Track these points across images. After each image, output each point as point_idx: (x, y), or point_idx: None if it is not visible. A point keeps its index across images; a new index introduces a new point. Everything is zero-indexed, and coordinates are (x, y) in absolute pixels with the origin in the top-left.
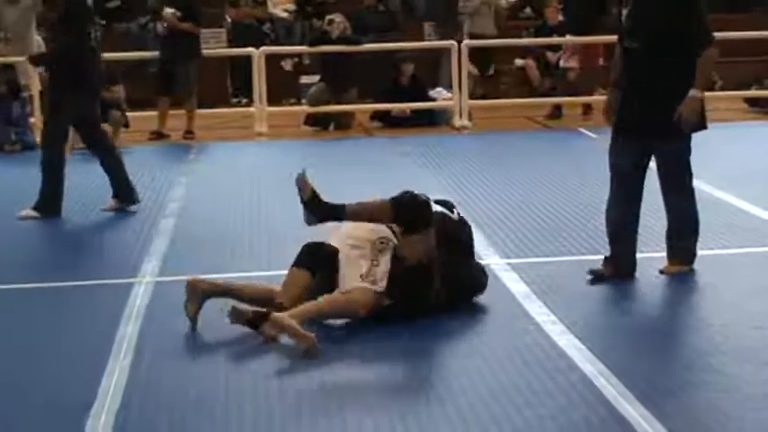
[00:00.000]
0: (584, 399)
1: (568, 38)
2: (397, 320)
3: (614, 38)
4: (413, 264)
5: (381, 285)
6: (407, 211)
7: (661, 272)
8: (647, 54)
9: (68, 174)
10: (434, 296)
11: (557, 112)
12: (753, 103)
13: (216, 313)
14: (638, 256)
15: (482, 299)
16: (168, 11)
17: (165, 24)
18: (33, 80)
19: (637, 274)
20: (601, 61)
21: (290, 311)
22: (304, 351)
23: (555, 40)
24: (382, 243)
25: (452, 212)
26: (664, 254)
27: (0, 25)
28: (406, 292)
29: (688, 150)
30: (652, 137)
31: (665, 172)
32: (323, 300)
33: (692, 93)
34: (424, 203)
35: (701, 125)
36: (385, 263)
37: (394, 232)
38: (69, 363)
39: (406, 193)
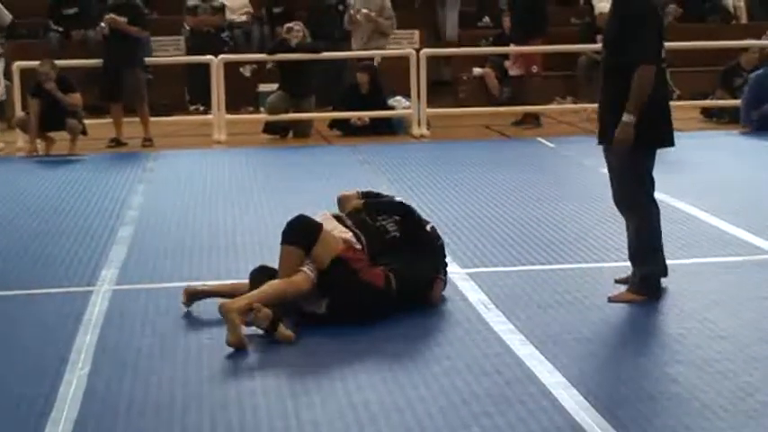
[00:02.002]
0: (542, 408)
1: (529, 47)
2: (343, 319)
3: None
4: (326, 265)
5: (313, 275)
6: (293, 233)
7: (609, 299)
8: (605, 66)
9: (25, 180)
10: (376, 293)
11: (527, 118)
12: (706, 113)
13: (174, 323)
14: (595, 266)
15: (440, 308)
16: (110, 16)
17: (104, 27)
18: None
19: (595, 285)
20: (535, 69)
21: (241, 297)
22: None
23: (512, 49)
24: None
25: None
26: (623, 264)
27: None
28: (336, 285)
29: (634, 165)
30: (603, 146)
31: (612, 184)
32: (267, 286)
33: (624, 118)
34: (299, 219)
35: (656, 143)
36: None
37: (360, 242)
38: (27, 371)
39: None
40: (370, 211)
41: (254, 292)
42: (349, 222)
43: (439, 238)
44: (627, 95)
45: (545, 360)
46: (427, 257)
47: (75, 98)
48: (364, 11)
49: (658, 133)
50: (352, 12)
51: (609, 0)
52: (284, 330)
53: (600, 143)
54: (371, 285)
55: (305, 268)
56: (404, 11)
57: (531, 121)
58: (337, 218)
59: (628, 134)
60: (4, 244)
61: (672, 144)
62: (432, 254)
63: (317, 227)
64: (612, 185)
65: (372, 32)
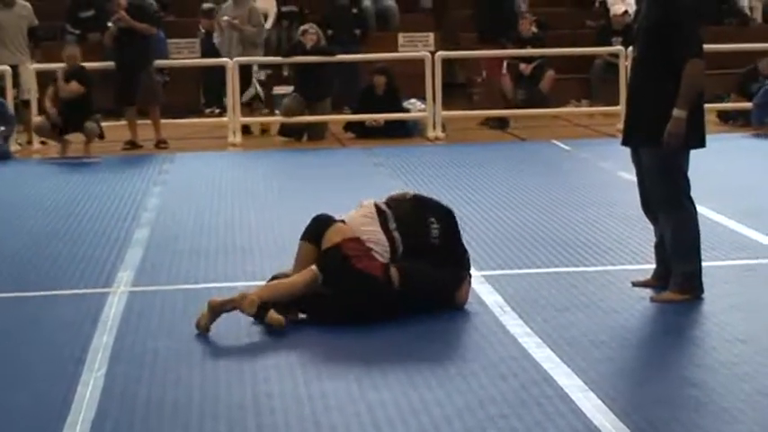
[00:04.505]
0: (559, 411)
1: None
2: (342, 308)
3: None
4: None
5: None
6: (306, 228)
7: (651, 300)
8: (638, 63)
9: (41, 182)
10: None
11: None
12: (722, 116)
13: (190, 324)
14: (612, 269)
15: (456, 310)
16: (119, 14)
17: (113, 27)
18: (31, 89)
19: (612, 288)
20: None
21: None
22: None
23: (528, 51)
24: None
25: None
26: (639, 266)
27: None
28: (328, 270)
29: (670, 165)
30: (635, 146)
31: (647, 184)
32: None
33: (675, 113)
34: (316, 217)
35: (691, 143)
36: None
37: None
38: (44, 372)
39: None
40: (419, 207)
41: (260, 290)
42: (393, 225)
43: (466, 251)
44: (667, 90)
45: (562, 363)
46: (452, 266)
47: (73, 87)
48: (225, 18)
49: (699, 133)
50: (217, 20)
51: (625, 2)
52: (274, 315)
53: (627, 144)
54: (364, 273)
55: (314, 266)
56: (418, 13)
57: (494, 122)
58: (381, 217)
59: (680, 129)
60: (21, 245)
61: (703, 145)
62: (458, 264)
63: (328, 223)
64: (643, 188)
65: (239, 41)
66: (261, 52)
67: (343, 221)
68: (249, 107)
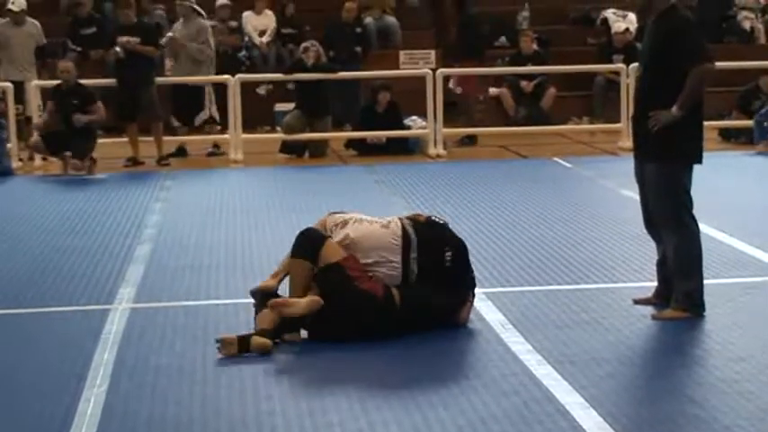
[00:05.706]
0: (561, 429)
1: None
2: (345, 331)
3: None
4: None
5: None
6: (298, 245)
7: (653, 317)
8: (642, 80)
9: (43, 198)
10: (379, 306)
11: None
12: (724, 134)
13: (192, 341)
14: (613, 286)
15: (458, 328)
16: (123, 38)
17: (119, 51)
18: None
19: (613, 305)
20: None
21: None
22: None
23: (529, 68)
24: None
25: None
26: (641, 284)
27: (5, 47)
28: (330, 288)
29: (673, 182)
30: (640, 160)
31: (650, 201)
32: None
33: (673, 110)
34: (304, 232)
35: (693, 159)
36: None
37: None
38: (45, 389)
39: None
40: (437, 236)
41: (306, 300)
42: (414, 254)
43: (472, 271)
44: (662, 107)
45: (563, 380)
46: (456, 288)
47: (98, 109)
48: (170, 34)
49: (698, 149)
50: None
51: (626, 20)
52: (258, 339)
53: (642, 157)
54: (368, 293)
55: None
56: (419, 30)
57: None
58: (406, 247)
59: (668, 121)
60: (23, 262)
61: (701, 161)
62: (462, 286)
63: (320, 239)
64: (646, 206)
65: (186, 59)
66: (209, 71)
67: (330, 237)
68: (202, 129)
